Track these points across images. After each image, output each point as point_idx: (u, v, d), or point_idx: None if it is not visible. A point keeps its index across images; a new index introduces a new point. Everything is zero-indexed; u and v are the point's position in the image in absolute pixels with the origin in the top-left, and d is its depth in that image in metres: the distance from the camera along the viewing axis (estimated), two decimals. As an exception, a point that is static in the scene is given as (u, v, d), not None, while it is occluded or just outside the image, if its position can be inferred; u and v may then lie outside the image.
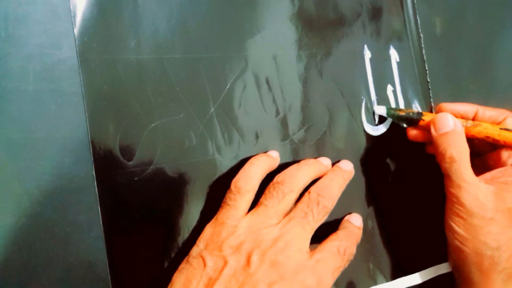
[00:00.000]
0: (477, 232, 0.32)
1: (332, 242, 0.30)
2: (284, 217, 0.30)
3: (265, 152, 0.33)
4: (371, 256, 0.37)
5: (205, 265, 0.27)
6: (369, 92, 0.38)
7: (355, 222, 0.34)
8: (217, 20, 0.33)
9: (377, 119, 0.38)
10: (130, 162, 0.29)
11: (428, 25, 0.41)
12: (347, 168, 0.34)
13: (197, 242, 0.29)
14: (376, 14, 0.39)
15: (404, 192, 0.38)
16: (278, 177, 0.31)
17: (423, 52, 0.41)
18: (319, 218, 0.30)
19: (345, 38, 0.38)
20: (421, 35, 0.41)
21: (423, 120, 0.35)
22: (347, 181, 0.34)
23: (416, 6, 0.41)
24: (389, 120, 0.39)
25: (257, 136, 0.33)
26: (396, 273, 0.37)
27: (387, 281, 0.37)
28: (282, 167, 0.33)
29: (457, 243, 0.33)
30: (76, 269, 0.27)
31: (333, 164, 0.35)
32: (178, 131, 0.31)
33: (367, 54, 0.38)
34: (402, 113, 0.36)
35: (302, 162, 0.33)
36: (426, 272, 0.38)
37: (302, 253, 0.28)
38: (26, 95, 0.27)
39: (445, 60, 0.42)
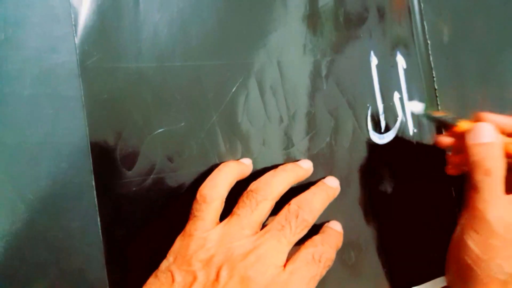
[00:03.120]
0: (495, 254, 0.30)
1: (307, 249, 0.28)
2: (259, 228, 0.29)
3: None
4: (375, 269, 0.36)
5: (173, 280, 0.26)
6: (375, 99, 0.37)
7: (334, 227, 0.32)
8: (219, 27, 0.32)
9: (383, 128, 0.37)
10: (130, 172, 0.29)
11: (436, 32, 0.41)
12: (333, 185, 0.32)
13: (167, 255, 0.27)
14: (382, 19, 0.39)
15: (407, 203, 0.38)
16: (252, 185, 0.30)
17: (430, 59, 0.40)
18: (297, 232, 0.28)
19: (351, 44, 0.37)
20: (429, 42, 0.40)
21: (457, 126, 0.34)
22: (331, 198, 0.32)
23: (423, 12, 0.40)
24: (395, 129, 0.38)
25: (260, 145, 0.33)
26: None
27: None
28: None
29: (470, 262, 0.31)
30: (69, 276, 0.27)
31: (318, 180, 0.33)
32: (179, 140, 0.30)
33: (373, 61, 0.38)
34: (438, 115, 0.35)
35: (279, 168, 0.31)
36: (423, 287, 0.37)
37: (275, 267, 0.26)
38: (22, 99, 0.26)
39: (452, 67, 0.41)
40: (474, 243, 0.31)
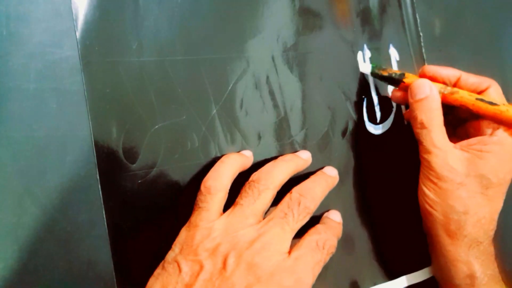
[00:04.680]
0: (446, 196, 0.33)
1: (310, 237, 0.29)
2: (262, 217, 0.29)
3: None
4: (372, 256, 0.37)
5: (180, 270, 0.26)
6: (370, 91, 0.38)
7: (334, 217, 0.33)
8: (218, 21, 0.32)
9: (378, 118, 0.38)
10: (134, 165, 0.29)
11: (428, 25, 0.41)
12: (331, 174, 0.34)
13: (173, 246, 0.28)
14: (375, 13, 0.39)
15: (403, 192, 0.38)
16: (254, 176, 0.30)
17: (423, 51, 0.41)
18: (300, 219, 0.29)
19: (345, 38, 0.38)
20: (421, 34, 0.41)
21: (404, 82, 0.35)
22: (330, 187, 0.33)
23: (415, 5, 0.41)
24: (390, 119, 0.39)
25: (259, 137, 0.33)
26: (394, 275, 0.38)
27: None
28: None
29: (428, 206, 0.34)
30: (77, 268, 0.27)
31: (317, 170, 0.34)
32: (181, 133, 0.31)
33: (367, 53, 0.39)
34: (384, 73, 0.36)
35: (279, 159, 0.32)
36: (414, 275, 0.38)
37: (281, 253, 0.27)
38: (27, 93, 0.27)
39: (444, 59, 0.42)
40: (428, 189, 0.34)
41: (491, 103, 0.33)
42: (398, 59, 0.40)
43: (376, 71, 0.37)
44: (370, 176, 0.37)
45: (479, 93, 0.35)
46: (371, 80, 0.38)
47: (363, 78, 0.38)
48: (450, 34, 0.42)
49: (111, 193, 0.28)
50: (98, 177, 0.28)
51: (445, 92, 0.34)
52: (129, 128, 0.29)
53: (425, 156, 0.34)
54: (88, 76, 0.28)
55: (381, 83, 0.38)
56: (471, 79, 0.35)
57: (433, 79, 0.35)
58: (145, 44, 0.30)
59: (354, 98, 0.37)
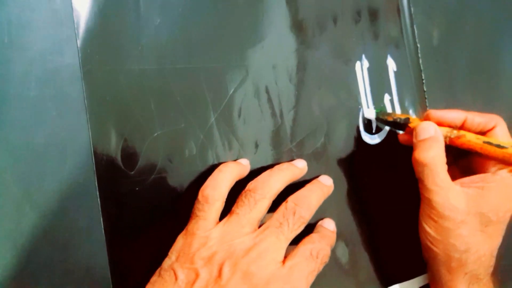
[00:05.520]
0: (447, 234, 0.33)
1: (305, 246, 0.29)
2: (258, 225, 0.30)
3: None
4: (367, 264, 0.37)
5: (176, 278, 0.27)
6: (367, 101, 0.39)
7: (328, 226, 0.34)
8: (218, 30, 0.33)
9: (374, 128, 0.39)
10: (132, 172, 0.29)
11: (425, 35, 0.42)
12: (327, 183, 0.34)
13: (169, 253, 0.28)
14: (373, 23, 0.40)
15: (398, 201, 0.39)
16: (250, 185, 0.31)
17: (420, 61, 0.41)
18: (295, 228, 0.29)
19: (343, 48, 0.38)
20: (418, 45, 0.41)
21: (409, 126, 0.36)
22: (326, 195, 0.33)
23: (413, 16, 0.41)
24: (386, 129, 0.39)
25: (256, 145, 0.34)
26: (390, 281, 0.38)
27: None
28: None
29: (428, 243, 0.34)
30: (75, 274, 0.28)
31: (312, 179, 0.34)
32: (179, 141, 0.31)
33: (365, 64, 0.39)
34: (389, 119, 0.37)
35: (275, 168, 0.32)
36: (409, 284, 0.39)
37: (276, 262, 0.28)
38: (27, 100, 0.27)
39: (441, 70, 0.42)
40: (429, 226, 0.34)
41: (499, 146, 0.33)
42: (395, 69, 0.40)
43: (381, 116, 0.37)
44: (366, 185, 0.38)
45: (486, 132, 0.35)
46: (368, 90, 0.39)
47: (360, 88, 0.38)
48: (448, 45, 0.43)
49: (109, 199, 0.29)
50: (96, 184, 0.28)
51: (452, 136, 0.34)
52: (128, 135, 0.29)
53: (426, 194, 0.34)
54: (88, 84, 0.29)
55: (378, 93, 0.39)
56: (477, 119, 0.35)
57: (438, 123, 0.35)
58: (145, 53, 0.30)
59: (350, 108, 0.38)
